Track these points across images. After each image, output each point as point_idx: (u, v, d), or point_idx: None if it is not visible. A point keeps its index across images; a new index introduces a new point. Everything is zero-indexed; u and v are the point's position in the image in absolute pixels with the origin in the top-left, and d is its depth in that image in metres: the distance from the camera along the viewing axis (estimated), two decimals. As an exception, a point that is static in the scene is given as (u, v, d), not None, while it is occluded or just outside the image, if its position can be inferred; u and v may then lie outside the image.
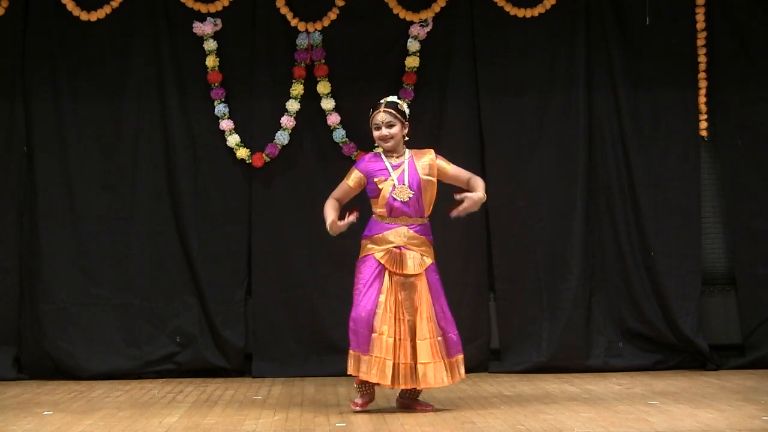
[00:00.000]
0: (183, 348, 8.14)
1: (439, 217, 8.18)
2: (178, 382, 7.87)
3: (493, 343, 8.32)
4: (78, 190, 8.17)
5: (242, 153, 8.19)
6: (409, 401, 6.32)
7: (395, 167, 6.31)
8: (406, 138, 6.40)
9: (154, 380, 7.96)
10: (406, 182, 6.27)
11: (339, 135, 8.19)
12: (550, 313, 8.23)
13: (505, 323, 8.28)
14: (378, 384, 6.18)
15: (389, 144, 6.32)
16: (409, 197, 6.27)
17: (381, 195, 6.25)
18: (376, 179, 6.29)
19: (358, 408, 6.23)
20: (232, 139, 8.21)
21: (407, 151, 6.39)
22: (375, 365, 6.09)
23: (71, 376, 8.00)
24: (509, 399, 6.79)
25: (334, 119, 8.20)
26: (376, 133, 6.33)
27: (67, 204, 8.16)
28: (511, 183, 8.31)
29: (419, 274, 6.26)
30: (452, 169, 6.44)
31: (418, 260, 6.27)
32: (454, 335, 6.25)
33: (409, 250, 6.27)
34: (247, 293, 8.26)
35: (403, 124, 6.35)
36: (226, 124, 8.22)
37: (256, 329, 8.21)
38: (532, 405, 6.50)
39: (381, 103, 6.36)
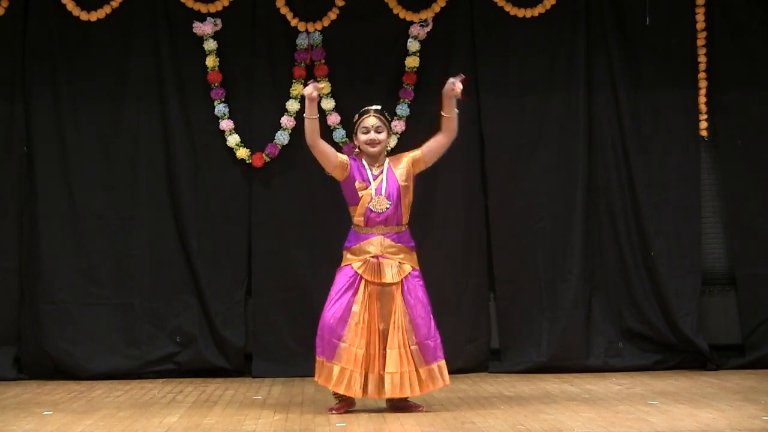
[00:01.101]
0: (183, 348, 8.14)
1: (439, 217, 8.21)
2: (178, 382, 7.87)
3: (493, 343, 8.32)
4: (78, 190, 8.17)
5: (242, 153, 8.19)
6: (399, 403, 6.30)
7: (375, 177, 6.28)
8: (388, 149, 6.42)
9: (154, 380, 7.96)
10: (384, 192, 6.24)
11: (339, 135, 8.19)
12: (550, 313, 8.23)
13: (505, 323, 8.27)
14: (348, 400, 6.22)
15: (376, 149, 6.29)
16: (387, 208, 6.23)
17: (360, 204, 6.23)
18: (357, 183, 6.26)
19: (334, 412, 6.22)
20: (232, 139, 8.21)
21: (386, 160, 6.37)
22: (343, 376, 6.10)
23: (71, 376, 8.00)
24: (509, 399, 6.79)
25: (334, 119, 8.20)
26: (363, 137, 6.30)
27: (67, 204, 8.16)
28: (511, 183, 8.31)
29: (397, 282, 6.23)
30: (423, 149, 6.37)
31: (395, 269, 6.24)
32: (431, 342, 6.20)
33: (387, 259, 6.23)
34: (247, 293, 8.26)
35: (388, 132, 6.37)
36: (226, 124, 8.22)
37: (256, 329, 8.21)
38: (532, 405, 6.50)
39: (370, 109, 6.35)
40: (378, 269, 6.22)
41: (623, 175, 8.31)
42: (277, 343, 8.18)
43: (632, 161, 8.28)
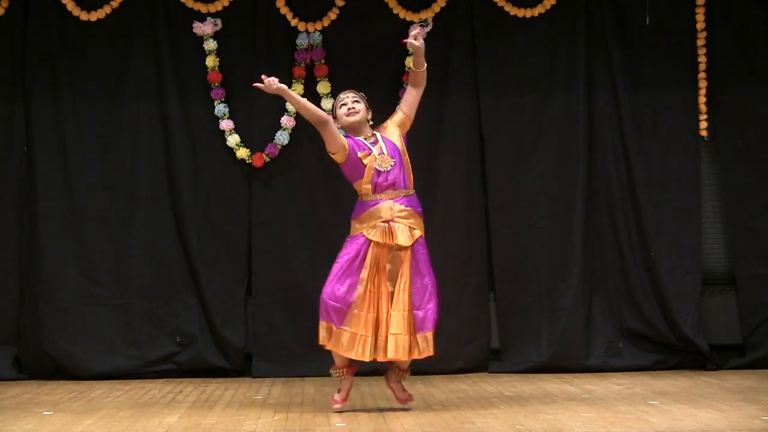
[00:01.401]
0: (183, 348, 8.14)
1: (439, 217, 8.21)
2: (178, 382, 7.87)
3: (493, 343, 8.32)
4: (78, 190, 8.17)
5: (242, 153, 8.19)
6: (393, 384, 6.36)
7: (373, 143, 6.34)
8: (370, 122, 6.44)
9: (154, 380, 7.96)
10: (386, 152, 6.29)
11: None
12: (550, 313, 8.23)
13: (505, 323, 8.27)
14: (353, 364, 6.25)
15: (354, 118, 6.35)
16: (392, 165, 6.27)
17: (366, 169, 6.26)
18: (360, 153, 6.28)
19: (338, 405, 6.25)
20: (232, 139, 8.21)
21: (374, 132, 6.42)
22: (354, 341, 6.13)
23: (71, 376, 8.00)
24: (509, 399, 6.79)
25: (334, 119, 8.20)
26: (341, 110, 6.39)
27: (67, 204, 8.16)
28: (511, 183, 8.31)
29: (407, 246, 6.26)
30: (402, 108, 6.47)
31: (407, 233, 6.27)
32: (420, 312, 6.24)
33: (397, 223, 6.27)
34: (247, 293, 8.26)
35: (367, 107, 6.44)
36: (226, 124, 8.22)
37: (256, 329, 8.21)
38: (532, 405, 6.50)
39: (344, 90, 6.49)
40: (390, 232, 6.24)
41: (623, 175, 8.31)
42: (277, 343, 8.18)
43: (632, 161, 8.28)
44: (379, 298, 6.21)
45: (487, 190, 8.33)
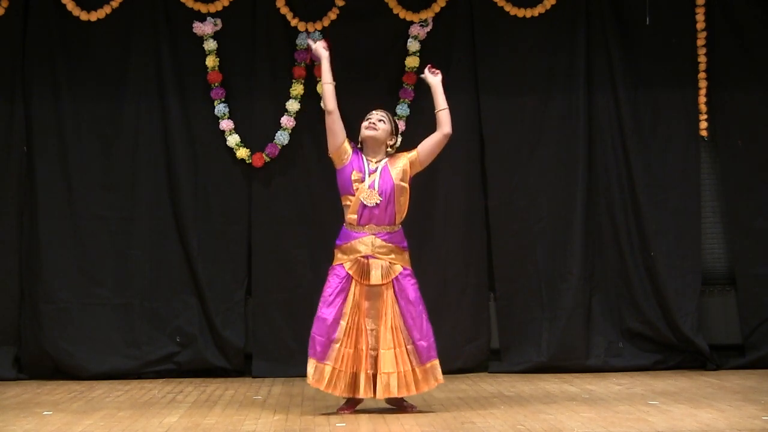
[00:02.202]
0: (183, 348, 8.14)
1: (439, 217, 8.21)
2: (178, 382, 7.87)
3: (493, 343, 8.32)
4: (78, 190, 8.17)
5: (242, 153, 8.19)
6: (395, 402, 6.32)
7: (371, 172, 6.30)
8: (389, 149, 6.40)
9: (154, 380, 7.96)
10: (377, 188, 6.24)
11: (339, 135, 8.19)
12: (550, 313, 8.23)
13: (505, 323, 8.28)
14: (353, 403, 6.23)
15: (372, 133, 6.31)
16: (377, 203, 6.23)
17: (355, 199, 6.24)
18: (354, 174, 6.27)
19: (344, 413, 6.24)
20: (232, 139, 8.21)
21: (385, 159, 6.37)
22: (333, 376, 6.12)
23: (71, 376, 8.00)
24: (509, 399, 6.79)
25: (334, 119, 8.20)
26: (364, 124, 6.36)
27: (67, 204, 8.16)
28: (511, 183, 8.31)
29: (385, 283, 6.23)
30: (419, 148, 6.42)
31: (385, 269, 6.24)
32: (425, 342, 6.22)
33: (377, 259, 6.24)
34: (247, 293, 8.26)
35: (392, 132, 6.38)
36: (226, 124, 8.22)
37: (256, 329, 8.21)
38: (532, 405, 6.50)
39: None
40: (366, 270, 6.23)
41: (623, 175, 8.31)
42: (277, 343, 8.18)
43: (632, 161, 8.28)
44: (359, 334, 6.20)
45: (487, 190, 8.33)
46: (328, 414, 6.23)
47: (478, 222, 8.30)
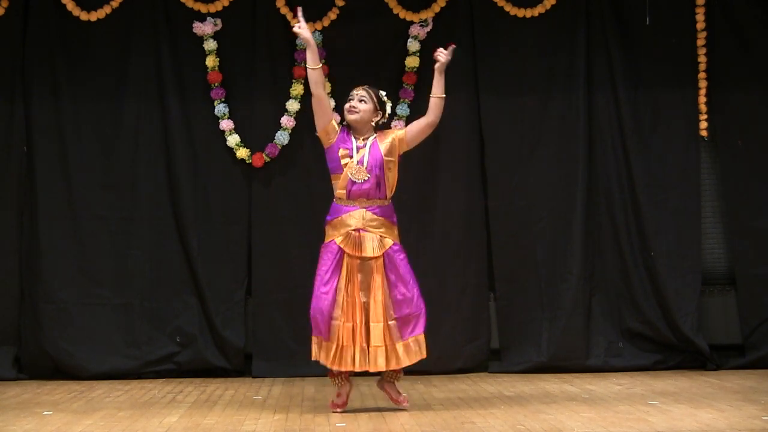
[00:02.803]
0: (183, 348, 8.14)
1: (439, 217, 8.21)
2: (178, 382, 7.87)
3: (493, 343, 8.32)
4: (78, 190, 8.17)
5: (242, 153, 8.19)
6: (387, 385, 6.37)
7: (359, 149, 6.34)
8: (376, 122, 6.43)
9: (154, 380, 7.96)
10: (366, 164, 6.28)
11: (339, 135, 8.19)
12: (550, 313, 8.23)
13: (505, 323, 8.27)
14: (347, 371, 6.26)
15: (353, 116, 6.34)
16: (365, 179, 6.28)
17: (343, 175, 6.29)
18: (341, 151, 6.33)
19: (339, 410, 6.27)
20: (232, 139, 8.21)
21: (374, 134, 6.41)
22: (338, 352, 6.18)
23: (71, 376, 8.00)
24: (509, 399, 6.79)
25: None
26: (346, 106, 6.39)
27: (67, 204, 8.16)
28: (511, 183, 8.30)
29: (377, 256, 6.27)
30: (407, 129, 6.47)
31: (376, 242, 6.28)
32: (412, 316, 6.26)
33: (368, 232, 6.28)
34: (247, 293, 8.26)
35: (376, 109, 6.39)
36: (226, 124, 8.22)
37: (256, 329, 8.21)
38: (532, 405, 6.50)
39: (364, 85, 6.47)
40: (359, 242, 6.27)
41: (623, 175, 8.31)
42: (277, 343, 8.18)
43: (632, 161, 8.28)
44: (354, 308, 6.23)
45: (487, 190, 8.33)
46: (328, 414, 6.23)
47: (478, 222, 8.30)
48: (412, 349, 6.26)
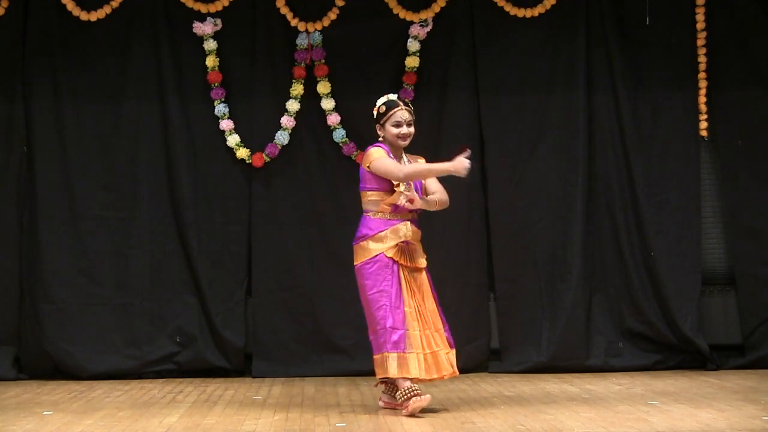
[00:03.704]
0: (183, 348, 8.14)
1: (438, 217, 8.21)
2: (178, 382, 7.87)
3: (493, 343, 8.32)
4: (78, 190, 8.17)
5: (242, 153, 8.19)
6: (388, 399, 6.37)
7: None
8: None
9: (154, 380, 7.96)
10: (413, 184, 6.32)
11: (339, 135, 8.19)
12: (550, 313, 8.23)
13: (505, 323, 8.27)
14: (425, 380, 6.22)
15: (407, 143, 6.36)
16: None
17: (396, 193, 6.23)
18: None
19: (410, 407, 6.14)
20: (232, 139, 8.21)
21: (404, 154, 6.42)
22: (420, 360, 6.14)
23: (71, 376, 8.00)
24: (509, 399, 6.79)
25: (334, 119, 8.20)
26: (395, 130, 6.30)
27: (67, 204, 8.16)
28: (511, 183, 8.30)
29: (425, 267, 6.38)
30: (428, 180, 6.48)
31: (422, 254, 6.38)
32: (446, 331, 6.38)
33: (413, 243, 6.35)
34: (247, 293, 8.26)
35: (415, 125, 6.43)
36: (226, 124, 8.22)
37: (256, 329, 8.21)
38: (532, 405, 6.50)
39: (399, 101, 6.37)
40: (411, 253, 6.31)
41: (623, 175, 8.31)
42: (277, 343, 8.18)
43: (632, 161, 8.28)
44: (420, 317, 6.26)
45: (487, 190, 8.33)
46: (328, 414, 6.22)
47: (478, 222, 8.30)
48: (454, 361, 6.34)
